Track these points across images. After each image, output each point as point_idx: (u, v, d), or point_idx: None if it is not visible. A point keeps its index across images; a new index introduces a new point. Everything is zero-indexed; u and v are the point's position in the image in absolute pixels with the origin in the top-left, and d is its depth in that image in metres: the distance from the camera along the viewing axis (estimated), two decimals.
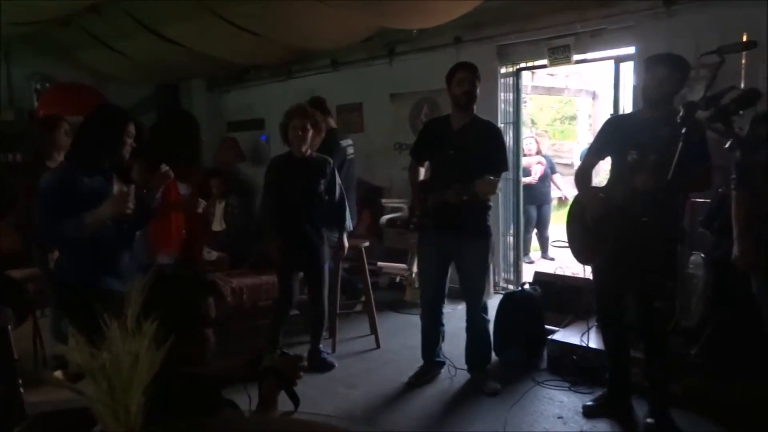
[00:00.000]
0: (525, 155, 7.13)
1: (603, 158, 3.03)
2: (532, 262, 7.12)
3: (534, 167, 7.06)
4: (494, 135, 3.37)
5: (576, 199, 3.11)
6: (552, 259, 6.97)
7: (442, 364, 3.60)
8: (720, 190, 3.25)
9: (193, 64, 5.92)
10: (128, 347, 0.99)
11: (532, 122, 12.16)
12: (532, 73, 8.05)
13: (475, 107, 3.37)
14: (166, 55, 5.53)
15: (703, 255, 3.32)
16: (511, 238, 5.42)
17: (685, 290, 3.42)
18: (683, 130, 2.05)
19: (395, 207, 5.33)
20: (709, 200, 3.38)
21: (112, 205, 2.39)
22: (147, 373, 0.98)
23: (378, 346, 4.13)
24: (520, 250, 5.44)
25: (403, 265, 4.98)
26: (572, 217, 3.12)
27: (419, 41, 5.47)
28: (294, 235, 3.59)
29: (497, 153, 3.32)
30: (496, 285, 5.28)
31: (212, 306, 1.56)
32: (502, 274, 5.40)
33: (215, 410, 1.44)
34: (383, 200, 5.49)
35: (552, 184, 7.12)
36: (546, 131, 11.61)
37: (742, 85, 3.79)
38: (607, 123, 3.04)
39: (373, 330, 4.18)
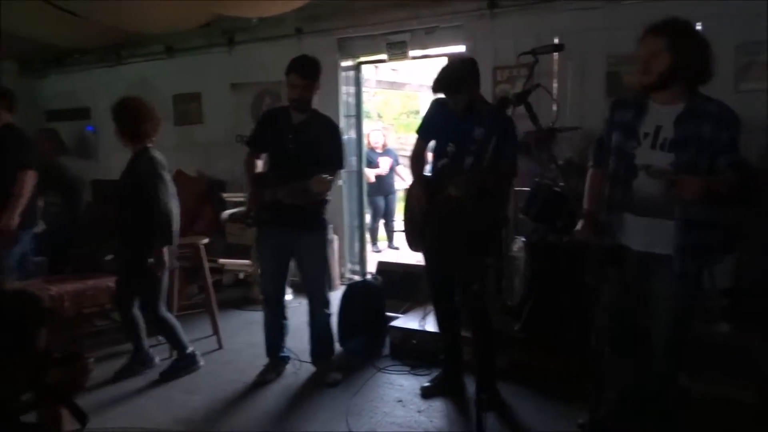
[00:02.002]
0: (372, 148, 7.34)
1: (429, 141, 3.12)
2: (379, 251, 7.35)
3: (381, 159, 7.27)
4: (333, 133, 3.33)
5: (409, 188, 3.22)
6: (397, 248, 7.23)
7: (287, 359, 3.57)
8: (536, 179, 3.56)
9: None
10: None
11: (379, 116, 12.48)
12: (376, 67, 8.25)
13: (314, 102, 3.28)
14: None
15: (523, 239, 3.62)
16: (357, 228, 5.50)
17: (510, 272, 3.72)
18: (495, 124, 2.20)
19: (238, 201, 5.16)
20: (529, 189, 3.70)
21: None
22: None
23: (220, 347, 3.97)
24: (365, 241, 5.55)
25: (247, 261, 4.84)
26: (406, 206, 3.23)
27: (259, 31, 5.34)
28: None
29: (335, 151, 3.28)
30: (342, 276, 5.34)
31: (43, 337, 1.38)
32: (348, 265, 5.47)
33: None
34: (224, 195, 5.28)
35: (396, 176, 7.40)
36: (392, 125, 11.98)
37: (555, 83, 4.21)
38: (430, 107, 3.12)
39: (215, 330, 4.02)
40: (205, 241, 3.98)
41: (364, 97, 11.87)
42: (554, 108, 3.64)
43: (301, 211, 3.16)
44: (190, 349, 3.59)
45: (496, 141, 2.15)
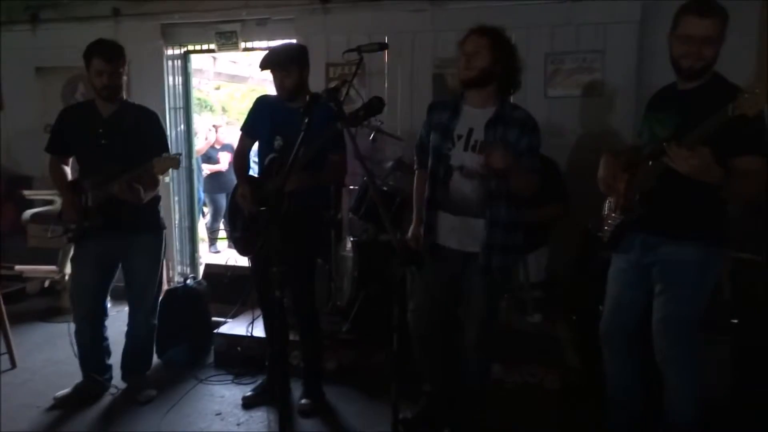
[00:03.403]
0: (211, 143, 6.99)
1: (255, 139, 2.97)
2: (218, 252, 7.00)
3: (221, 155, 6.93)
4: (151, 120, 3.03)
5: (234, 188, 3.03)
6: None
7: (106, 383, 3.17)
8: (365, 178, 3.55)
9: None
10: None
11: (223, 110, 11.96)
12: (214, 58, 7.85)
13: (124, 93, 2.98)
14: None
15: (352, 238, 3.59)
16: (188, 229, 5.15)
17: (340, 272, 3.67)
18: (306, 120, 2.11)
19: (46, 200, 4.58)
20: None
21: None
22: None
23: (13, 366, 3.46)
24: (197, 242, 5.21)
25: (52, 267, 4.30)
26: (230, 207, 3.04)
27: (70, 9, 4.79)
28: None
29: (158, 139, 2.99)
30: (171, 280, 4.97)
31: None
32: (179, 268, 5.10)
33: None
34: (26, 192, 4.66)
35: None
36: (237, 120, 11.54)
37: (386, 82, 4.24)
38: (255, 103, 2.97)
39: (8, 348, 3.49)
40: None
41: (205, 89, 11.28)
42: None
43: (134, 211, 2.84)
44: None
45: (305, 135, 2.06)
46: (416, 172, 2.67)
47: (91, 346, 3.09)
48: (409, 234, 2.60)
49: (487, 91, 2.37)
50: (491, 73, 2.32)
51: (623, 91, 3.73)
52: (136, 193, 2.77)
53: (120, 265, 3.08)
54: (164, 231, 3.12)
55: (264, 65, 2.79)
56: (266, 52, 2.77)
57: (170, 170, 2.95)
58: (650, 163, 2.04)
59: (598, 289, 2.82)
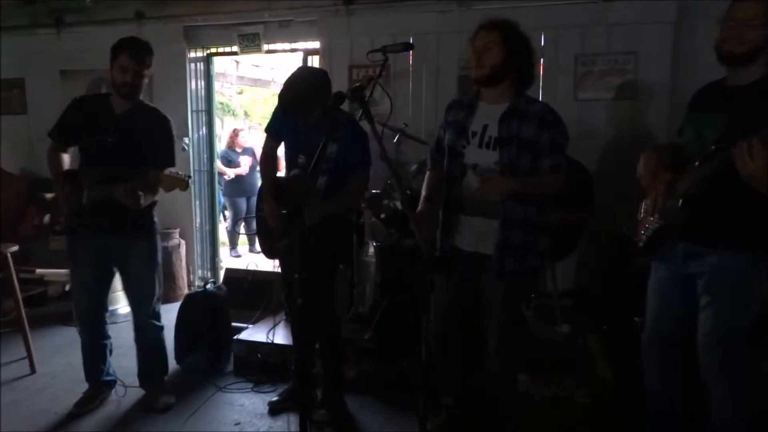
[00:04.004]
0: (230, 147, 6.97)
1: (279, 142, 2.88)
2: (239, 256, 6.97)
3: (242, 158, 6.92)
4: (162, 126, 2.93)
5: (263, 195, 2.96)
6: (259, 252, 6.90)
7: (113, 383, 3.15)
8: (389, 182, 3.46)
9: None
10: None
11: (246, 114, 12.00)
12: (237, 62, 7.88)
13: (142, 96, 2.92)
14: None
15: (375, 243, 3.50)
16: (208, 233, 5.12)
17: (362, 278, 3.58)
18: (348, 138, 2.03)
19: None
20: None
21: None
22: None
23: (33, 371, 3.43)
24: (218, 246, 5.18)
25: None
26: (257, 212, 2.99)
27: (94, 12, 4.80)
28: None
29: (165, 145, 2.91)
30: (191, 285, 4.94)
31: None
32: (198, 272, 5.07)
33: None
34: (48, 195, 4.64)
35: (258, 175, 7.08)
36: (260, 124, 11.57)
37: (410, 84, 4.16)
38: (278, 107, 2.91)
39: (28, 352, 3.47)
40: (14, 248, 3.41)
41: (228, 93, 11.34)
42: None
43: (127, 212, 2.75)
44: None
45: (347, 156, 1.98)
46: (428, 172, 2.56)
47: (91, 347, 3.06)
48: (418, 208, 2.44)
49: (501, 87, 2.27)
50: (504, 69, 2.22)
51: (657, 94, 3.60)
52: (137, 199, 2.68)
53: (117, 270, 3.01)
54: (158, 234, 3.03)
55: (287, 112, 2.63)
56: (282, 89, 2.57)
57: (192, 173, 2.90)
58: (696, 164, 1.91)
59: (632, 298, 2.69)
